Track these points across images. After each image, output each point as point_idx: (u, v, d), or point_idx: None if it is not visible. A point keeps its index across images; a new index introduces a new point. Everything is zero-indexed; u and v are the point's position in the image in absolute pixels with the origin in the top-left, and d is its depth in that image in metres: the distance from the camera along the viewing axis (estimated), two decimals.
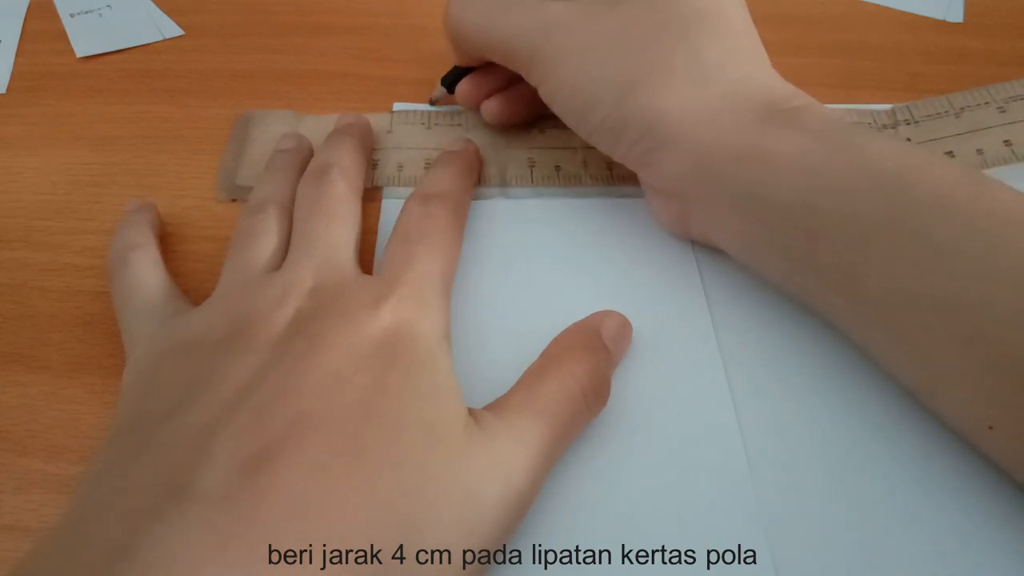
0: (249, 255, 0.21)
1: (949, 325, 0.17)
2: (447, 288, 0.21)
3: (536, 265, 0.25)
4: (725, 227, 0.22)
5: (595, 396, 0.20)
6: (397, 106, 0.30)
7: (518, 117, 0.28)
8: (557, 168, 0.27)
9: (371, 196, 0.27)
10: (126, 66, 0.32)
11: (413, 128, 0.29)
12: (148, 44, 0.34)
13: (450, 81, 0.28)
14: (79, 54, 0.33)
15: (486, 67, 0.27)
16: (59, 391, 0.22)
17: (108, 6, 0.36)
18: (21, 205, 0.27)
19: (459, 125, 0.29)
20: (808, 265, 0.20)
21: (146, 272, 0.22)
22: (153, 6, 0.36)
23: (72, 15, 0.35)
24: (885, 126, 0.29)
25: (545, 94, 0.24)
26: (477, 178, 0.27)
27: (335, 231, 0.21)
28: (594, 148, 0.24)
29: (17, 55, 0.33)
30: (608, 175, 0.27)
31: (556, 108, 0.24)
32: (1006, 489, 0.19)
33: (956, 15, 0.36)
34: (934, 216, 0.18)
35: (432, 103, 0.30)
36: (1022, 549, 0.18)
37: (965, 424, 0.19)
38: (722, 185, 0.21)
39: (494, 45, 0.24)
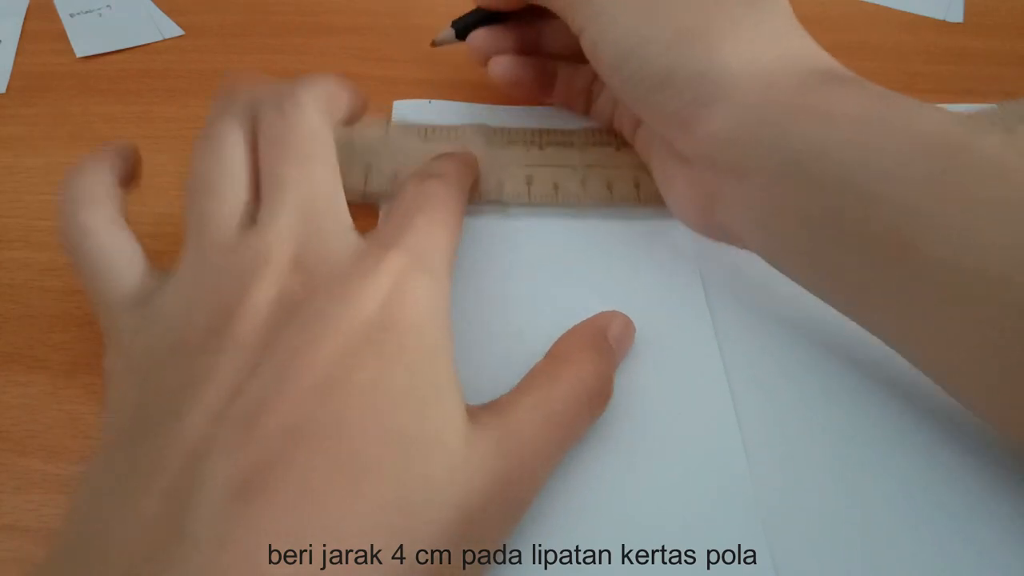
0: (211, 207, 0.18)
1: (1004, 298, 0.16)
2: (449, 263, 0.19)
3: (534, 272, 0.24)
4: (759, 200, 0.21)
5: (598, 397, 0.20)
6: (397, 104, 0.30)
7: (522, 86, 0.26)
8: (555, 186, 0.26)
9: (366, 210, 0.26)
10: (126, 66, 0.32)
11: (409, 140, 0.27)
12: (148, 44, 0.34)
13: (463, 26, 0.26)
14: (79, 54, 0.33)
15: (510, 24, 0.25)
16: (59, 391, 0.22)
17: (108, 6, 0.36)
18: (21, 205, 0.27)
19: (456, 140, 0.27)
20: (856, 230, 0.18)
21: (105, 241, 0.19)
22: (153, 6, 0.36)
23: (72, 15, 0.35)
24: None
25: (589, 36, 0.22)
26: (475, 178, 0.26)
27: (314, 175, 0.18)
28: (593, 167, 0.23)
29: (17, 55, 0.33)
30: (607, 195, 0.26)
31: (597, 49, 0.22)
32: (1007, 488, 0.19)
33: (956, 15, 0.36)
34: (993, 185, 0.17)
35: (434, 45, 0.28)
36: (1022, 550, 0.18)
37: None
38: (773, 145, 0.20)
39: None
